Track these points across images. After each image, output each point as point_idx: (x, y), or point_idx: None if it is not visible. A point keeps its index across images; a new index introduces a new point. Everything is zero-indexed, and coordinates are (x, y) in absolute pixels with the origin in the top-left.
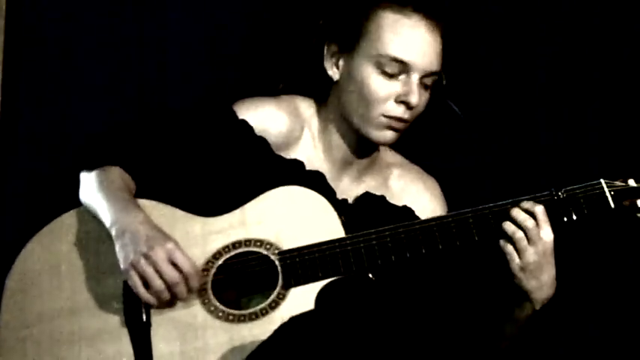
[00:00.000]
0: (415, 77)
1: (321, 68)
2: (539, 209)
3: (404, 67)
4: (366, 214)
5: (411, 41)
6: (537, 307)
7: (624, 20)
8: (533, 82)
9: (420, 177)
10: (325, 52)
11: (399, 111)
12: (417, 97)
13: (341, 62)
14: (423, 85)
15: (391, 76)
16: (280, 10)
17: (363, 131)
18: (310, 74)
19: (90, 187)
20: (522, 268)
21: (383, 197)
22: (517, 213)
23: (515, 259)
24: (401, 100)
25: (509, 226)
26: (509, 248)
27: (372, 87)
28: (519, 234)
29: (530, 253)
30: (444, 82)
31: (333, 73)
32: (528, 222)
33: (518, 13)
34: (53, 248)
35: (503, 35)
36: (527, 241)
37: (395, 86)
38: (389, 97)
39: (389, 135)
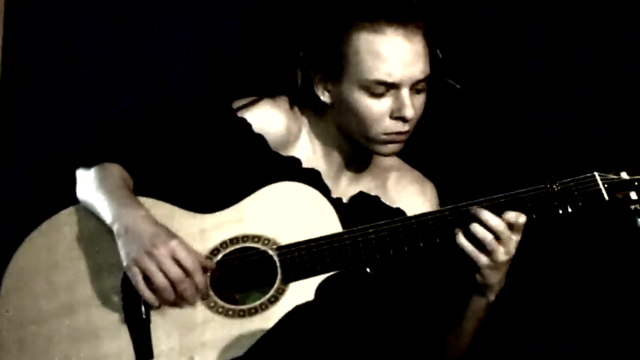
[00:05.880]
0: (405, 91)
1: (313, 93)
2: (523, 220)
3: (393, 85)
4: (360, 214)
5: (391, 60)
6: (492, 299)
7: (619, 13)
8: (528, 77)
9: (418, 181)
10: (313, 79)
11: (398, 126)
12: (410, 110)
13: (330, 87)
14: (415, 90)
15: (380, 95)
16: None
17: (369, 148)
18: (303, 96)
19: (88, 185)
20: (490, 267)
21: (377, 198)
22: (488, 216)
23: (484, 259)
24: (396, 117)
25: (478, 230)
26: (476, 251)
27: (365, 110)
28: (490, 237)
29: (501, 253)
30: (440, 56)
31: (325, 97)
32: (500, 226)
33: (512, 3)
34: (51, 246)
35: (496, 27)
36: (499, 241)
37: (387, 104)
38: (384, 116)
39: (394, 147)
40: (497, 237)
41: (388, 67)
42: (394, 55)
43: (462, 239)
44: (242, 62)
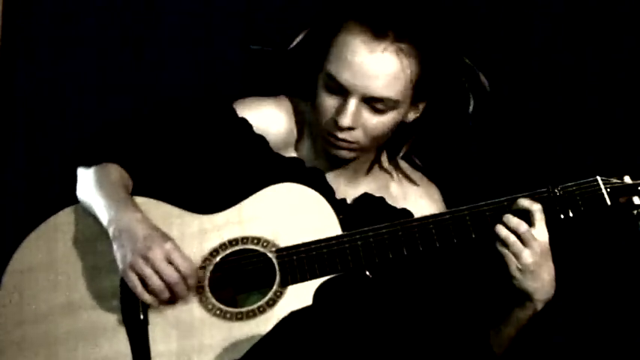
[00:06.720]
0: (352, 100)
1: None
2: (537, 207)
3: (342, 88)
4: (365, 215)
5: (352, 62)
6: (539, 308)
7: (621, 16)
8: (530, 79)
9: (421, 182)
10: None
11: (334, 129)
12: (346, 119)
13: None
14: (371, 106)
15: (333, 93)
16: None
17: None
18: (304, 93)
19: (87, 185)
20: (521, 270)
21: (382, 199)
22: (508, 218)
23: (513, 262)
24: (332, 118)
25: (501, 230)
26: (505, 251)
27: (319, 101)
28: (512, 238)
29: (527, 255)
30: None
31: None
32: (521, 226)
33: (513, 9)
34: (50, 246)
35: (497, 31)
36: (522, 243)
37: (332, 103)
38: (327, 112)
39: (340, 152)
40: (519, 239)
41: (345, 67)
42: (356, 59)
43: (499, 245)
44: (243, 62)
